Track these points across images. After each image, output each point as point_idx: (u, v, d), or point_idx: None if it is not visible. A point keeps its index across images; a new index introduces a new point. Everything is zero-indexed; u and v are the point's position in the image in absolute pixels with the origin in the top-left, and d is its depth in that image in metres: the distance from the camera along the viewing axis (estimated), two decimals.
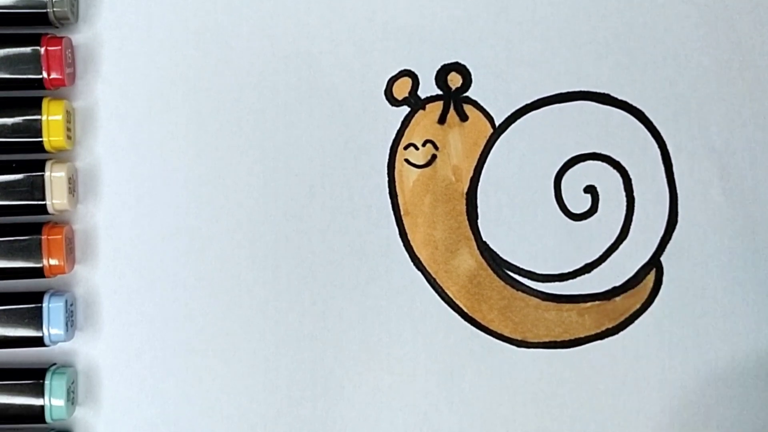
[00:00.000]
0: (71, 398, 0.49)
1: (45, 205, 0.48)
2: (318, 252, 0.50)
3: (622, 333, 0.50)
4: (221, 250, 0.50)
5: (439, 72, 0.51)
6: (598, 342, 0.50)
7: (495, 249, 0.50)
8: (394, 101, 0.51)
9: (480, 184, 0.50)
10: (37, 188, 0.48)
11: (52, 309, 0.48)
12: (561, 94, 0.51)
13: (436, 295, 0.50)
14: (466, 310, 0.50)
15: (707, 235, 0.51)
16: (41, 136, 0.48)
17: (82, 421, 0.50)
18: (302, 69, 0.50)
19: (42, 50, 0.48)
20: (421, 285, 0.50)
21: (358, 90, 0.50)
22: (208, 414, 0.50)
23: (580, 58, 0.51)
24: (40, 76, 0.48)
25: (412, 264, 0.50)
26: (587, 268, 0.50)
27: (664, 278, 0.51)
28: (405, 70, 0.51)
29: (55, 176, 0.48)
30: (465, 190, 0.51)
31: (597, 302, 0.50)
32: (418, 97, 0.51)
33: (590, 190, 0.51)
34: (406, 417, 0.50)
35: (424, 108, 0.51)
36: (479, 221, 0.50)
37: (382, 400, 0.50)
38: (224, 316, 0.50)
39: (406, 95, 0.51)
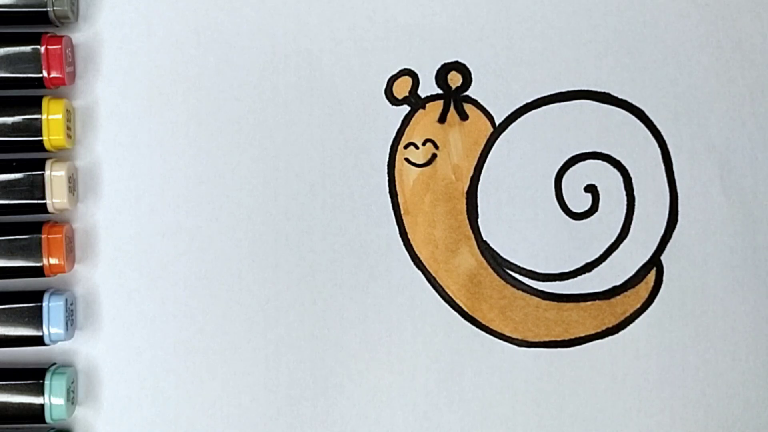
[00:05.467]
0: (71, 398, 0.49)
1: (45, 204, 0.48)
2: (318, 251, 0.50)
3: (622, 332, 0.50)
4: (221, 250, 0.50)
5: (439, 71, 0.51)
6: (598, 341, 0.50)
7: (495, 248, 0.50)
8: (394, 100, 0.51)
9: (480, 183, 0.50)
10: (37, 187, 0.48)
11: (52, 308, 0.48)
12: (561, 93, 0.51)
13: (436, 294, 0.50)
14: (466, 309, 0.50)
15: (707, 235, 0.51)
16: (41, 135, 0.48)
17: (82, 421, 0.50)
18: (302, 68, 0.50)
19: (42, 49, 0.48)
20: (421, 284, 0.50)
21: (358, 89, 0.50)
22: (208, 414, 0.50)
23: (580, 57, 0.51)
24: (41, 75, 0.48)
25: (412, 263, 0.50)
26: (587, 268, 0.50)
27: (665, 277, 0.51)
28: (405, 69, 0.51)
29: (55, 175, 0.48)
30: (465, 189, 0.51)
31: (597, 301, 0.50)
32: (419, 96, 0.51)
33: (591, 189, 0.51)
34: (406, 416, 0.50)
35: (424, 107, 0.51)
36: (479, 220, 0.50)
37: (382, 399, 0.50)
38: (224, 316, 0.50)
39: (407, 94, 0.51)
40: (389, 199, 0.50)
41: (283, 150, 0.50)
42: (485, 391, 0.50)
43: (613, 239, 0.50)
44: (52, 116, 0.48)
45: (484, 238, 0.50)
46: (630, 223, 0.51)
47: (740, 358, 0.50)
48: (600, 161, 0.51)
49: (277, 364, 0.50)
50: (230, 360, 0.50)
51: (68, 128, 0.49)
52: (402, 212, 0.50)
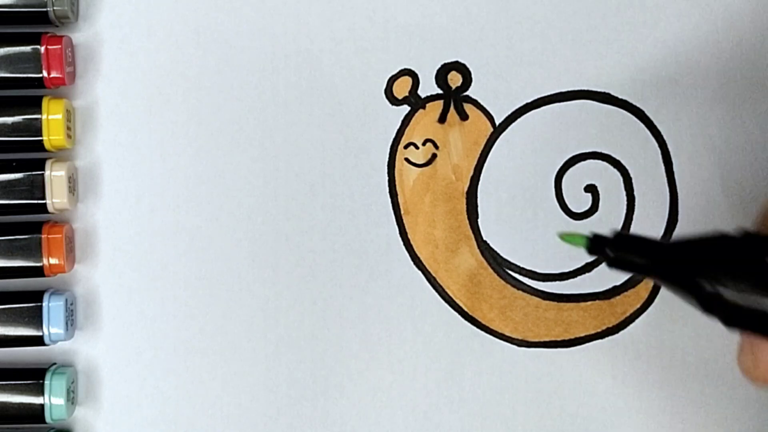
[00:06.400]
0: (71, 398, 0.49)
1: (45, 204, 0.48)
2: (318, 251, 0.50)
3: (622, 332, 0.50)
4: (221, 250, 0.50)
5: (439, 71, 0.51)
6: (598, 341, 0.50)
7: (495, 248, 0.50)
8: (394, 100, 0.51)
9: (480, 183, 0.50)
10: (37, 187, 0.48)
11: (52, 308, 0.48)
12: (561, 93, 0.51)
13: (436, 294, 0.50)
14: (466, 309, 0.50)
15: None
16: (41, 135, 0.48)
17: (82, 421, 0.50)
18: (302, 68, 0.50)
19: (42, 49, 0.48)
20: (421, 284, 0.50)
21: (358, 89, 0.50)
22: (208, 414, 0.50)
23: (580, 57, 0.51)
24: (41, 75, 0.48)
25: (412, 263, 0.50)
26: (588, 267, 0.50)
27: None
28: (405, 69, 0.51)
29: (55, 175, 0.48)
30: (465, 189, 0.51)
31: (597, 301, 0.50)
32: (419, 96, 0.51)
33: (591, 189, 0.51)
34: (406, 417, 0.50)
35: (424, 107, 0.51)
36: (479, 220, 0.50)
37: (382, 399, 0.50)
38: (224, 316, 0.50)
39: (407, 94, 0.51)
40: (389, 199, 0.50)
41: (283, 150, 0.50)
42: (485, 391, 0.50)
43: None
44: (52, 116, 0.48)
45: (484, 238, 0.50)
46: (630, 223, 0.50)
47: None
48: (600, 161, 0.51)
49: (277, 364, 0.50)
50: (230, 360, 0.50)
51: (68, 128, 0.49)
52: (402, 212, 0.50)
